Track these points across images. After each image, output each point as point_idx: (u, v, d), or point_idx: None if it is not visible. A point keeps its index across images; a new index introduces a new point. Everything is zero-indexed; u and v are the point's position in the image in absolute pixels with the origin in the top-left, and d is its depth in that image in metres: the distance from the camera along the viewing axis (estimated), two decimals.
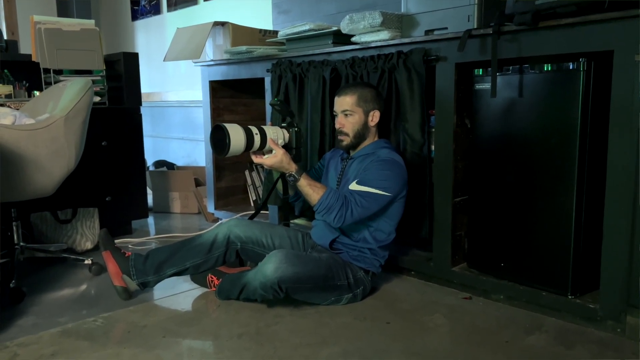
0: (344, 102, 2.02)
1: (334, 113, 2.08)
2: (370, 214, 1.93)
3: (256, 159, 1.93)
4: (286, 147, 1.96)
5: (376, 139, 2.08)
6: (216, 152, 1.88)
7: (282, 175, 2.03)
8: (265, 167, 1.95)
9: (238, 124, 1.88)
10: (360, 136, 2.04)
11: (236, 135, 1.83)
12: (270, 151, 1.92)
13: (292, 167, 1.91)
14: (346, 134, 2.03)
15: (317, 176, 2.18)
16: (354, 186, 1.92)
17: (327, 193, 1.89)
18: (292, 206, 2.35)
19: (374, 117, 2.03)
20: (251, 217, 2.21)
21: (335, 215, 1.88)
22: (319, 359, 1.56)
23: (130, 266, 1.96)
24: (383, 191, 1.91)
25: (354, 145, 2.05)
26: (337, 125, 2.05)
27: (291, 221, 2.77)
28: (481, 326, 1.77)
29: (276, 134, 1.94)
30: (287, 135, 1.98)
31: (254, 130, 1.88)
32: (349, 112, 2.01)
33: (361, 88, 2.04)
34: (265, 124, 2.00)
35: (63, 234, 2.64)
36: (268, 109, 2.76)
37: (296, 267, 1.80)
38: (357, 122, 2.02)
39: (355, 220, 1.92)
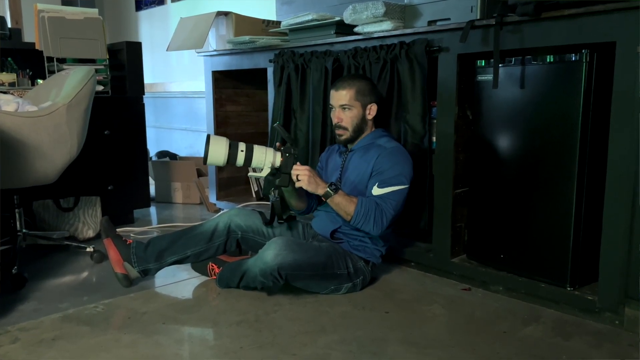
0: (342, 96, 2.00)
1: (330, 106, 2.07)
2: (399, 209, 1.94)
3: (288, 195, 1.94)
4: (275, 169, 1.89)
5: (373, 129, 2.08)
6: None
7: (281, 192, 1.96)
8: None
9: (228, 137, 1.89)
10: (359, 130, 2.03)
11: (217, 147, 1.83)
12: (261, 169, 1.89)
13: (324, 183, 1.88)
14: (345, 129, 2.02)
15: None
16: (376, 191, 1.92)
17: (361, 201, 1.88)
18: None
19: (372, 110, 2.03)
20: (268, 223, 2.09)
21: (373, 221, 1.87)
22: (317, 346, 1.57)
23: (132, 254, 1.97)
24: (403, 185, 1.93)
25: (352, 139, 2.05)
26: (335, 120, 2.04)
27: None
28: (479, 317, 1.78)
29: (264, 155, 1.88)
30: (279, 158, 1.88)
31: (242, 146, 1.86)
32: (347, 106, 2.00)
33: (358, 81, 2.03)
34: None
35: (65, 221, 2.66)
36: (270, 100, 2.77)
37: (296, 254, 1.80)
38: (356, 116, 2.01)
39: (390, 222, 1.91)
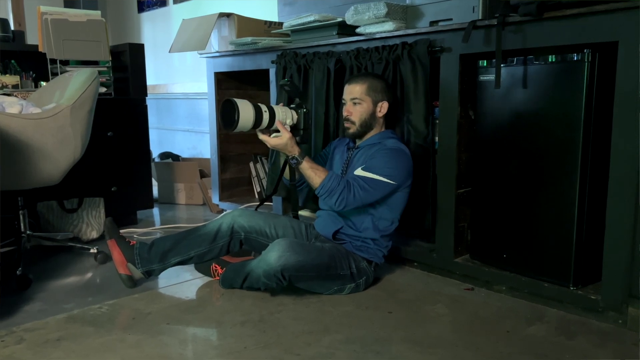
0: (354, 90, 2.03)
1: (343, 101, 2.09)
2: (372, 200, 1.94)
3: (261, 136, 1.95)
4: (294, 127, 1.97)
5: (383, 129, 2.09)
6: (224, 126, 1.89)
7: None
8: (269, 146, 1.96)
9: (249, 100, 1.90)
10: (366, 125, 2.04)
11: (245, 111, 1.84)
12: (278, 131, 1.94)
13: (295, 150, 1.93)
14: (352, 122, 2.04)
15: (322, 163, 2.19)
16: (359, 172, 1.93)
17: (329, 176, 1.91)
18: (296, 197, 2.35)
19: (382, 108, 2.04)
20: (257, 208, 2.22)
21: (337, 197, 1.89)
22: (321, 346, 1.57)
23: (135, 254, 1.98)
24: (388, 179, 1.92)
25: (359, 134, 2.06)
26: (344, 113, 2.06)
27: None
28: (483, 316, 1.78)
29: (285, 114, 1.95)
30: (295, 116, 1.99)
31: (264, 107, 1.90)
32: (358, 100, 2.02)
33: (372, 78, 2.05)
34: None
35: (69, 223, 2.67)
36: (273, 101, 2.77)
37: (299, 255, 1.81)
38: (365, 111, 2.02)
39: (356, 205, 1.92)
